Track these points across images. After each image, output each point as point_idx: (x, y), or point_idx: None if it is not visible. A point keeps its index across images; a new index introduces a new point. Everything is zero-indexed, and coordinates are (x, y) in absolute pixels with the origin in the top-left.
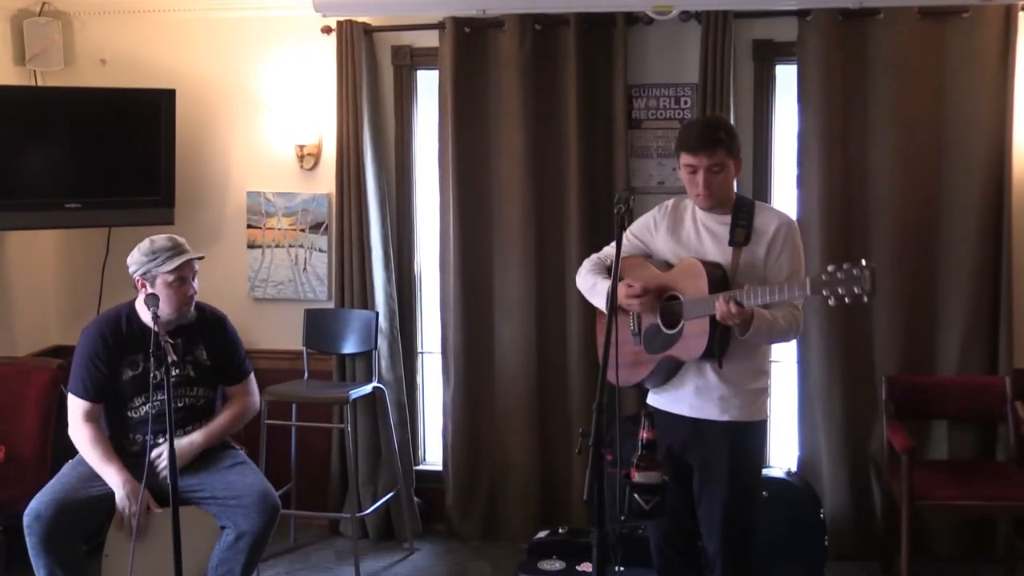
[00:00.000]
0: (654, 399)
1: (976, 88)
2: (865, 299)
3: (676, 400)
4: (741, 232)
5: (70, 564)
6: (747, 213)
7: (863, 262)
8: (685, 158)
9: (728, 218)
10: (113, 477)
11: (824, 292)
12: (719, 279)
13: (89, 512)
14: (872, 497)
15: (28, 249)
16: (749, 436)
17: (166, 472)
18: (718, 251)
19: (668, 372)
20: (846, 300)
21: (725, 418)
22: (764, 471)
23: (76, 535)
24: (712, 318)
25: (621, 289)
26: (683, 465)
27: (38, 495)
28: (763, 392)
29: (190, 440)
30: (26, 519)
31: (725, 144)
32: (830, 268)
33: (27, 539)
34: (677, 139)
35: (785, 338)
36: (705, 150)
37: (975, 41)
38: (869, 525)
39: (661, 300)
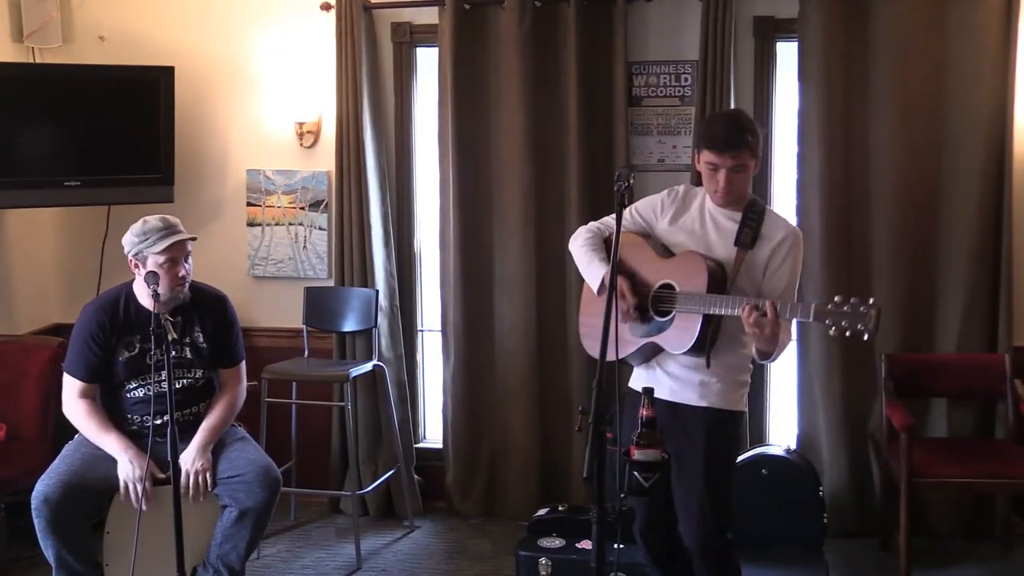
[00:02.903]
0: (636, 383)
1: (977, 66)
2: (866, 337)
3: (656, 382)
4: (749, 233)
5: (77, 545)
6: (757, 216)
7: (871, 300)
8: (707, 155)
9: (738, 216)
10: (113, 445)
11: (827, 321)
12: (719, 278)
13: (96, 493)
14: (871, 474)
15: (28, 227)
16: (726, 425)
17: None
18: (720, 246)
19: (648, 355)
20: (847, 334)
21: (703, 404)
22: (763, 448)
23: (83, 516)
24: (705, 316)
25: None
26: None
27: (44, 477)
28: (743, 384)
29: (200, 446)
30: (34, 502)
31: (750, 146)
32: (837, 299)
33: (35, 522)
34: (700, 133)
35: (781, 350)
36: (730, 151)
37: (977, 19)
38: (868, 502)
39: (655, 287)
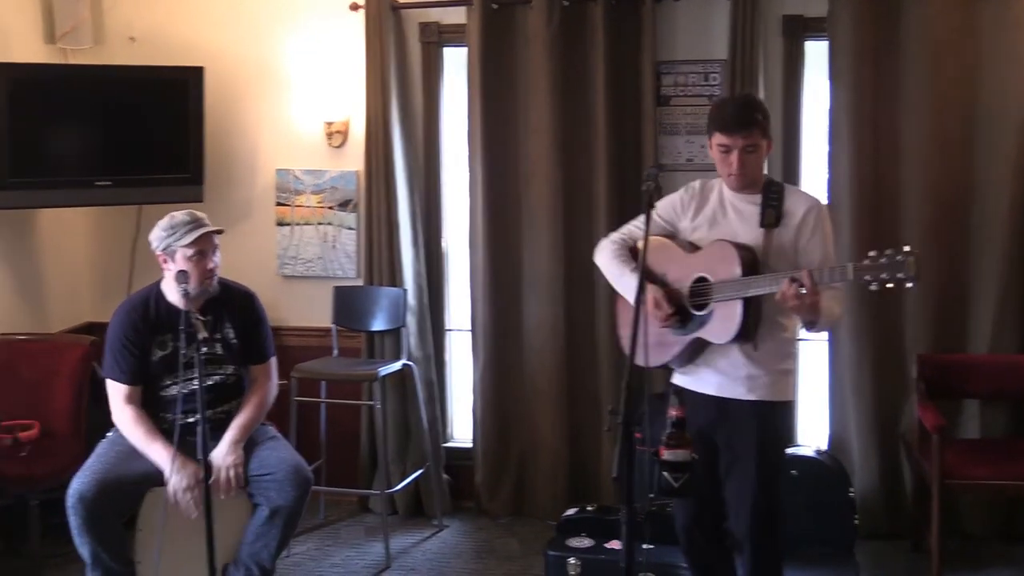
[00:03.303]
0: (679, 378)
1: (1009, 63)
2: (909, 284)
3: (701, 379)
4: (772, 213)
5: (112, 543)
6: (777, 195)
7: (906, 248)
8: (719, 138)
9: (757, 198)
10: (160, 454)
11: (867, 277)
12: (750, 261)
13: (130, 491)
14: (902, 476)
15: (59, 227)
16: (776, 416)
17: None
18: (746, 232)
19: (693, 353)
20: (888, 285)
21: (752, 397)
22: (794, 449)
23: (118, 514)
24: (745, 300)
25: (650, 302)
26: (710, 445)
27: (79, 475)
28: (790, 373)
29: (232, 442)
30: (70, 500)
31: (760, 125)
32: (872, 254)
33: (71, 520)
34: (710, 117)
35: (835, 323)
36: (741, 131)
37: (1010, 17)
38: (899, 504)
39: (689, 283)
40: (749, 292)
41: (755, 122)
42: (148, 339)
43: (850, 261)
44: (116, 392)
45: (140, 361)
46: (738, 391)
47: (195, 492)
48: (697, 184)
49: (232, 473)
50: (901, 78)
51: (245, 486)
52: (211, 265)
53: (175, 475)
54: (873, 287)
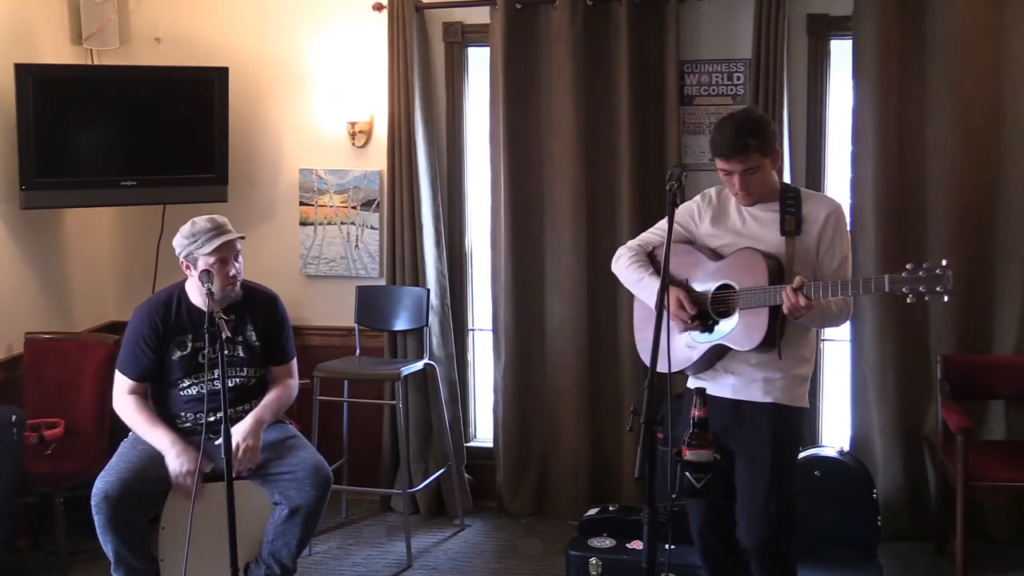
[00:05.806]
0: (695, 381)
1: None
2: (946, 298)
3: (717, 383)
4: (792, 220)
5: (135, 541)
6: (794, 201)
7: (944, 262)
8: (719, 163)
9: (775, 206)
10: (161, 439)
11: (904, 289)
12: (777, 269)
13: (153, 490)
14: (926, 477)
15: (85, 226)
16: (790, 421)
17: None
18: (767, 239)
19: (713, 359)
20: (925, 298)
21: (768, 400)
22: (816, 450)
23: (141, 513)
24: (772, 308)
25: (673, 303)
26: (724, 450)
27: (103, 475)
28: (805, 380)
29: (255, 420)
30: (94, 499)
31: (756, 148)
32: (909, 267)
33: (95, 519)
34: (710, 141)
35: (835, 323)
36: (736, 156)
37: None
38: (923, 505)
39: (712, 290)
40: (777, 300)
41: (748, 148)
42: (166, 340)
43: (875, 263)
44: (121, 383)
45: (153, 362)
46: (754, 393)
47: (195, 475)
48: (713, 192)
49: (248, 450)
50: (926, 77)
51: (259, 470)
52: (232, 272)
53: (176, 459)
54: (910, 299)
